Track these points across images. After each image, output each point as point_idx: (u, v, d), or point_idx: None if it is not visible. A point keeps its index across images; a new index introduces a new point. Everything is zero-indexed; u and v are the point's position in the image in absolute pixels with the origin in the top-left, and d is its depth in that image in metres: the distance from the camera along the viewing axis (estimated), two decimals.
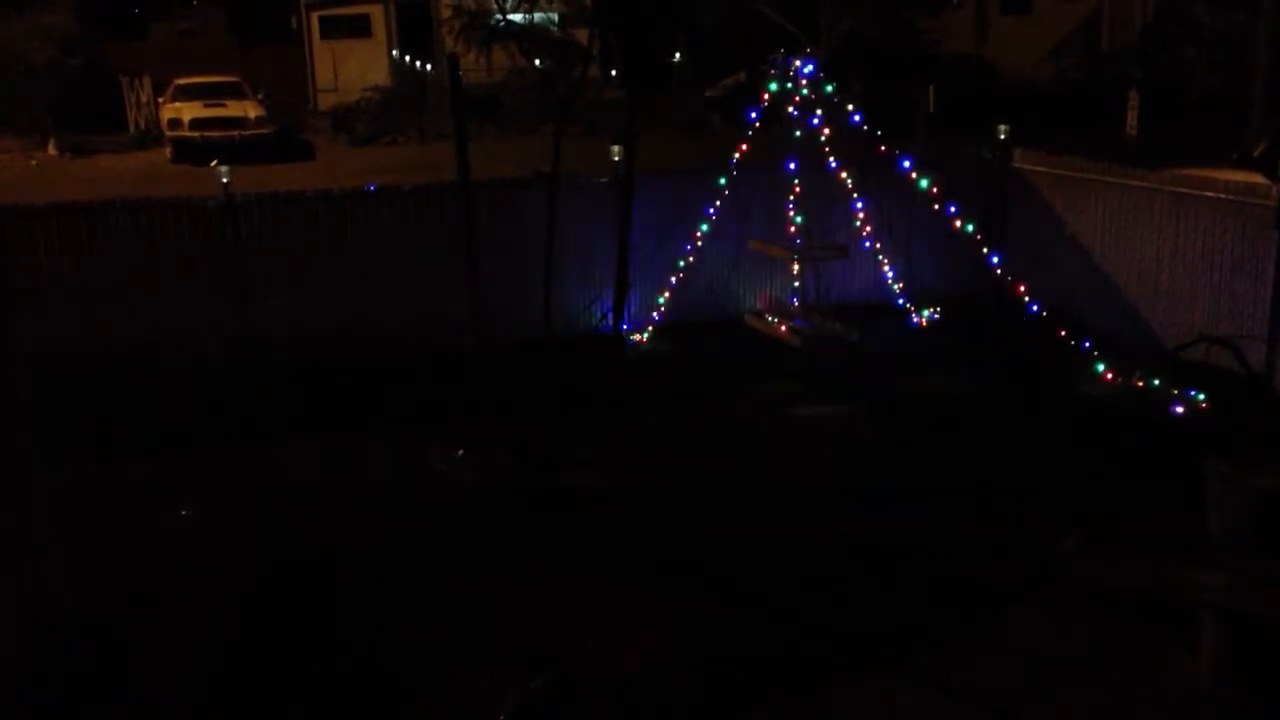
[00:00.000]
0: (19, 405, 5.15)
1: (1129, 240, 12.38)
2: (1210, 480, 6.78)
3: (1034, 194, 13.60)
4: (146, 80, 30.38)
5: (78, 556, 7.29)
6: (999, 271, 12.46)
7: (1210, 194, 11.44)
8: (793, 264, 12.85)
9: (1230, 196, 11.23)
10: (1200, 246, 11.53)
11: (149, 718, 6.55)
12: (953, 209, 12.42)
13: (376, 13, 35.06)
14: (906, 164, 12.50)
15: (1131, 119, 24.32)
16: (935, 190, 12.53)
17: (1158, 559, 7.51)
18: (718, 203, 12.72)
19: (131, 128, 30.08)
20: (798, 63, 12.34)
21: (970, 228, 12.34)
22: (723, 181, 12.67)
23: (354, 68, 33.83)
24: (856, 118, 12.46)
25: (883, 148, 12.52)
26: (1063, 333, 11.75)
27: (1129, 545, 8.05)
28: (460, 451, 9.62)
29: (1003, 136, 13.83)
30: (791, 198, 12.51)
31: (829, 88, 12.31)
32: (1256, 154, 17.70)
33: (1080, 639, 7.02)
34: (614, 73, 29.77)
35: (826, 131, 12.43)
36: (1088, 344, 11.55)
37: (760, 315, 13.16)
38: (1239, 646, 6.43)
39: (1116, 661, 6.78)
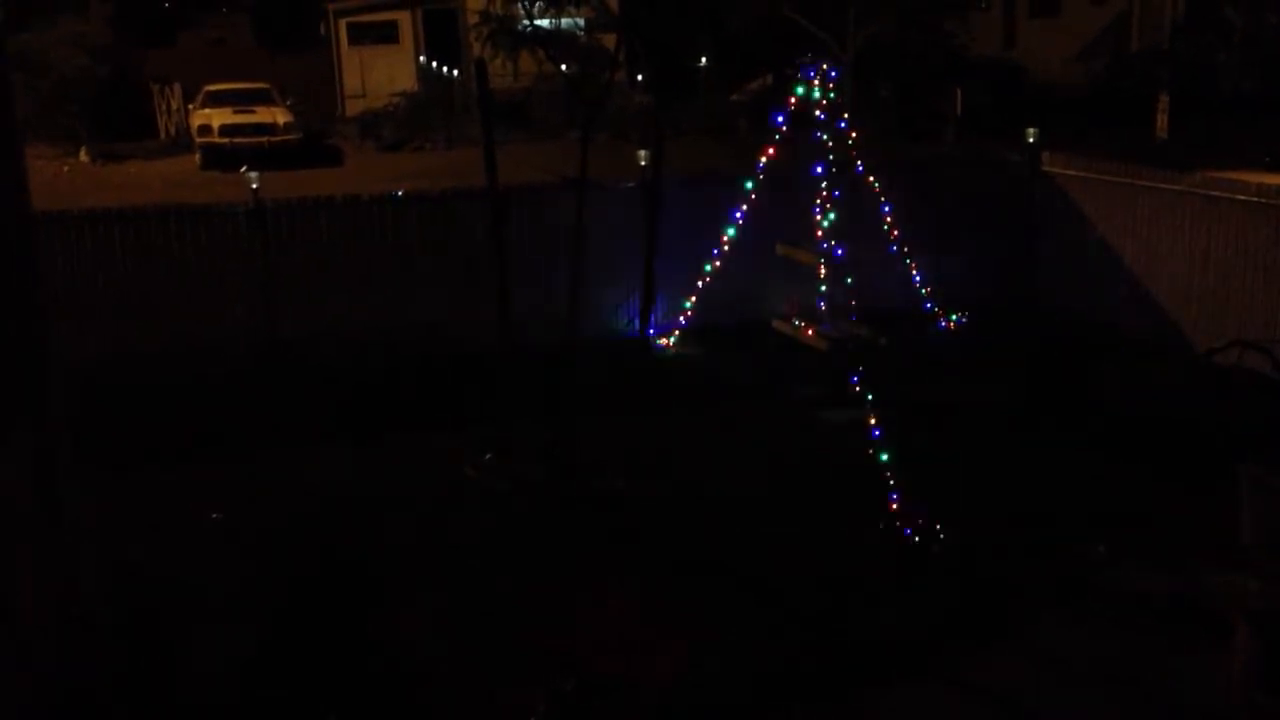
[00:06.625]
0: (55, 411, 5.20)
1: (1160, 243, 12.30)
2: (1244, 485, 6.73)
3: (1063, 198, 13.52)
4: (177, 87, 30.59)
5: (113, 560, 7.35)
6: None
7: (1242, 197, 11.36)
8: (819, 268, 12.80)
9: (1262, 199, 11.15)
10: (1232, 249, 11.45)
11: (185, 718, 6.61)
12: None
13: (404, 19, 35.18)
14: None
15: (1162, 121, 24.12)
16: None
17: (1190, 564, 7.47)
18: (744, 207, 12.70)
19: (162, 134, 30.28)
20: (825, 67, 12.29)
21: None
22: (749, 186, 12.65)
23: (381, 74, 33.95)
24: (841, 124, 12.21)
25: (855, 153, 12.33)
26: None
27: (1162, 549, 8.00)
28: (490, 457, 9.65)
29: (1031, 140, 13.76)
30: (818, 202, 12.47)
31: (830, 94, 12.02)
32: None
33: (1112, 644, 6.99)
34: (640, 78, 29.77)
35: (854, 136, 12.31)
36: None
37: (787, 319, 13.12)
38: (1272, 651, 6.37)
39: (1148, 667, 6.74)
